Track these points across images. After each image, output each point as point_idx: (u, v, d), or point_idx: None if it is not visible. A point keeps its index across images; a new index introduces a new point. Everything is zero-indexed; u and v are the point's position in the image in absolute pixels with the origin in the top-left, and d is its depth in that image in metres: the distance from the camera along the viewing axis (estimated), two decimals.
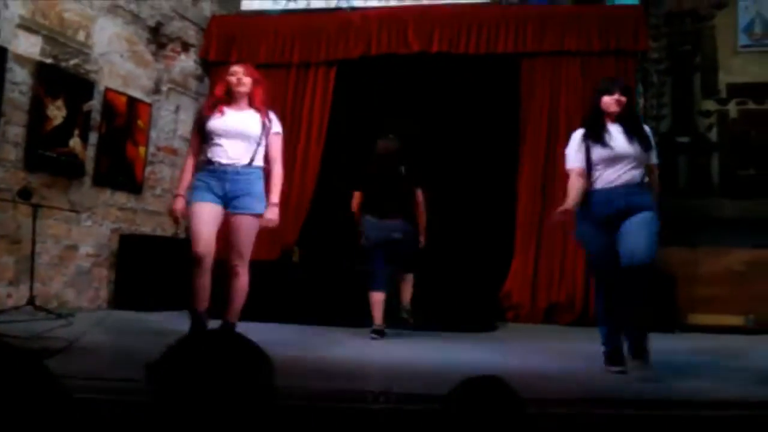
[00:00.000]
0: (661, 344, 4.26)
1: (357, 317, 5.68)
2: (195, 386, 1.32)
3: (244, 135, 4.09)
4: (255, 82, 4.19)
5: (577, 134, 3.85)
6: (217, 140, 4.08)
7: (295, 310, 5.75)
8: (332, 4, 7.74)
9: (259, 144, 4.12)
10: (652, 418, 2.68)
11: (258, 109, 4.16)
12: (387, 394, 2.84)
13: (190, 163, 4.25)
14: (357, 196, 5.35)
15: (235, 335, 1.46)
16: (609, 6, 7.06)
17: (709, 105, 7.05)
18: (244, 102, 4.16)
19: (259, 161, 4.14)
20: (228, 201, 4.04)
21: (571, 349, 4.67)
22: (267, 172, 4.20)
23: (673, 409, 2.75)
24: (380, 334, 5.04)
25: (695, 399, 2.94)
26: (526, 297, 6.68)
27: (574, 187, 3.76)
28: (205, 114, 4.18)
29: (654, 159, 3.80)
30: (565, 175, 3.90)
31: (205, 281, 3.99)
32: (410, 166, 5.28)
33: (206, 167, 4.10)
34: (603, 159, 3.69)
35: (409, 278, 5.31)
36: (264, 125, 4.14)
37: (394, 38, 7.28)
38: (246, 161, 4.08)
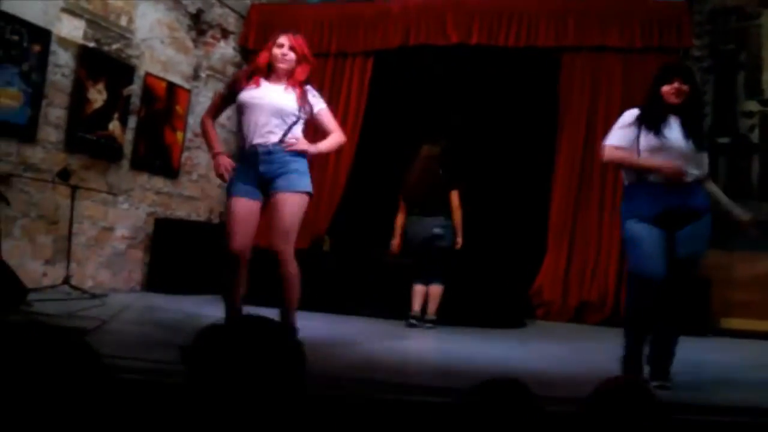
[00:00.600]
0: (692, 348, 4.20)
1: (386, 308, 5.72)
2: (227, 371, 1.33)
3: (277, 110, 3.70)
4: (300, 60, 3.78)
5: (630, 113, 3.46)
6: (248, 115, 3.72)
7: (325, 299, 5.78)
8: None
9: (295, 122, 3.73)
10: (675, 422, 2.65)
11: (294, 87, 3.76)
12: (408, 387, 2.86)
13: (208, 122, 3.93)
14: (402, 207, 5.65)
15: (269, 322, 1.47)
16: (653, 2, 6.93)
17: (752, 105, 6.88)
18: (284, 78, 3.78)
19: (297, 136, 3.75)
20: (265, 184, 3.71)
21: (599, 349, 4.62)
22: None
23: (696, 415, 2.72)
24: (418, 319, 5.35)
25: (719, 405, 2.90)
26: (557, 294, 6.62)
27: (621, 155, 3.40)
28: (239, 83, 3.81)
29: (706, 168, 3.46)
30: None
31: (238, 278, 3.73)
32: (450, 169, 5.52)
33: (240, 151, 3.81)
34: (652, 148, 3.32)
35: (438, 290, 5.41)
36: (300, 104, 3.74)
37: (433, 29, 7.24)
38: (277, 139, 3.69)
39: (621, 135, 3.43)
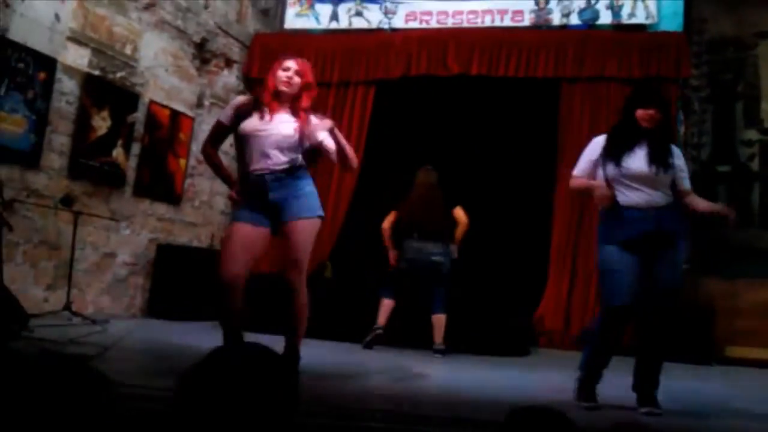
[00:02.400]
0: (693, 376, 4.20)
1: (388, 336, 5.70)
2: (217, 401, 1.32)
3: (280, 142, 3.61)
4: (305, 87, 3.71)
5: (596, 141, 3.56)
6: (252, 145, 3.62)
7: (327, 326, 5.75)
8: (374, 25, 7.83)
9: (297, 150, 3.64)
10: None
11: (298, 115, 3.67)
12: (414, 418, 2.84)
13: (213, 153, 3.82)
14: (392, 215, 5.53)
15: (264, 351, 1.44)
16: (651, 32, 7.02)
17: (751, 134, 6.96)
18: (287, 103, 3.69)
19: (300, 163, 3.67)
20: (274, 211, 3.62)
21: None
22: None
23: None
24: (378, 338, 5.42)
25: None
26: (558, 323, 6.61)
27: (581, 181, 3.54)
28: (237, 115, 3.71)
29: (687, 183, 3.49)
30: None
31: (233, 304, 3.56)
32: (448, 191, 5.58)
33: (244, 178, 3.69)
34: (614, 176, 3.40)
35: (442, 318, 5.38)
36: (302, 132, 3.62)
37: (434, 60, 7.33)
38: (285, 166, 3.62)
39: (584, 167, 3.53)
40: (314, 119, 3.69)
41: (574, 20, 7.22)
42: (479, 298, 5.98)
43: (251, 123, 3.64)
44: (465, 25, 7.50)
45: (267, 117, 3.64)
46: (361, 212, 7.38)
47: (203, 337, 5.33)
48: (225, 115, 3.78)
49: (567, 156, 6.93)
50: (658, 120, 3.41)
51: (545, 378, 4.67)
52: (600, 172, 3.46)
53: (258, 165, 3.61)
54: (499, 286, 6.34)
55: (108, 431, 1.11)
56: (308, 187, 3.70)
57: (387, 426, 2.73)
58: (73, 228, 5.57)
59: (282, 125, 3.63)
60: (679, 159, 3.49)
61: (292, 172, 3.62)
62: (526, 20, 7.34)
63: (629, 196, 3.38)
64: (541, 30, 7.29)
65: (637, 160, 3.38)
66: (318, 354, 4.61)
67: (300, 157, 3.67)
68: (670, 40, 6.83)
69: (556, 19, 7.26)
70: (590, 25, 7.18)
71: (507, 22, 7.39)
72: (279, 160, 3.61)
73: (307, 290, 3.68)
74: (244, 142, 3.66)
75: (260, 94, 3.76)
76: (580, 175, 3.55)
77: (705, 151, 6.99)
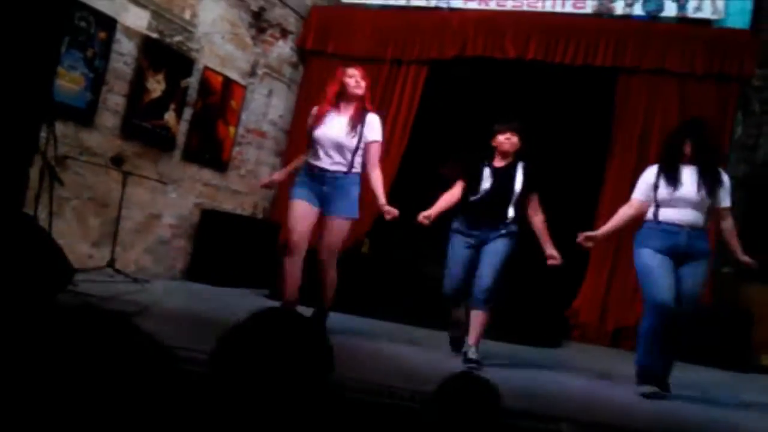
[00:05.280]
0: (729, 383, 4.18)
1: (421, 315, 5.71)
2: (255, 362, 1.35)
3: (339, 145, 4.37)
4: (368, 87, 4.53)
5: (652, 169, 4.15)
6: (318, 147, 4.40)
7: (361, 301, 5.79)
8: (432, 3, 7.74)
9: (355, 153, 4.41)
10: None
11: (364, 114, 4.42)
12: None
13: (300, 157, 4.67)
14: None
15: (301, 319, 1.49)
16: (716, 28, 6.79)
17: None
18: (355, 104, 4.43)
19: (356, 168, 4.44)
20: (324, 202, 4.38)
21: (624, 375, 4.52)
22: (364, 177, 4.51)
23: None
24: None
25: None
26: (594, 317, 6.52)
27: (621, 215, 4.22)
28: (313, 122, 4.49)
29: (725, 202, 4.01)
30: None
31: (294, 270, 4.33)
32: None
33: (308, 169, 4.46)
34: (666, 199, 3.96)
35: (482, 316, 4.32)
36: (359, 136, 4.39)
37: (490, 42, 7.21)
38: (343, 169, 4.39)
39: (642, 189, 4.14)
40: (370, 119, 4.44)
41: (638, 10, 7.02)
42: (514, 286, 5.92)
43: (320, 127, 4.41)
44: (525, 8, 7.35)
45: (332, 122, 4.40)
46: (403, 193, 7.35)
47: (241, 302, 5.43)
48: (308, 123, 4.57)
49: (618, 149, 6.82)
50: (694, 148, 3.97)
51: (568, 368, 4.65)
52: (652, 194, 4.05)
53: (320, 162, 4.39)
54: (535, 275, 6.27)
55: (154, 390, 1.09)
56: (354, 192, 4.44)
57: (404, 404, 2.76)
58: (122, 187, 5.69)
59: (341, 130, 4.37)
60: (724, 181, 4.03)
61: (346, 173, 4.39)
62: (588, 7, 7.17)
63: (670, 214, 3.96)
64: (602, 18, 7.10)
65: (687, 185, 3.94)
66: (345, 327, 4.69)
67: (356, 159, 4.40)
68: (735, 38, 6.60)
69: (619, 8, 7.07)
70: (654, 16, 6.98)
71: (568, 8, 7.23)
72: (337, 160, 4.38)
73: (336, 269, 4.42)
74: (313, 142, 4.44)
75: (326, 103, 4.47)
76: (640, 197, 4.14)
77: (761, 153, 6.77)
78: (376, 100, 7.43)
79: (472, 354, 4.17)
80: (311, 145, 4.48)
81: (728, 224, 4.03)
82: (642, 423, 3.24)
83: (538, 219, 4.51)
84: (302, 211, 4.36)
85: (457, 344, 4.52)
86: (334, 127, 4.39)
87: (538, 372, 4.29)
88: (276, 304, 4.28)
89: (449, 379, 1.81)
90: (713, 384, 4.63)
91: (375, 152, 4.47)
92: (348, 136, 4.37)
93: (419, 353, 4.42)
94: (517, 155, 4.51)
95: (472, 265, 4.36)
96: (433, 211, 4.37)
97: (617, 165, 6.77)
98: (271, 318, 1.45)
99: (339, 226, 4.39)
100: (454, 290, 4.42)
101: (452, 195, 4.48)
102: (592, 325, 6.50)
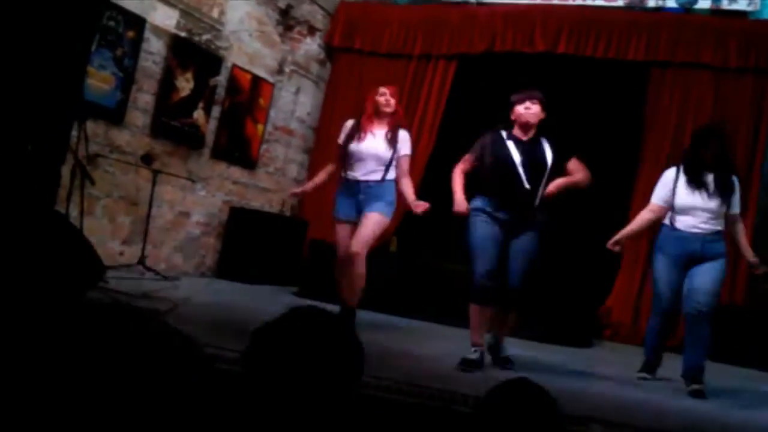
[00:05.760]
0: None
1: (447, 314, 5.65)
2: (285, 364, 1.34)
3: (376, 157, 4.65)
4: (398, 102, 4.83)
5: (670, 172, 4.24)
6: (354, 161, 4.68)
7: (388, 299, 5.76)
8: None
9: (389, 164, 4.66)
10: None
11: (397, 128, 4.70)
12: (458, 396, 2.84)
13: (328, 167, 4.98)
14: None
15: (333, 318, 1.49)
16: (752, 20, 6.63)
17: None
18: (387, 120, 4.72)
19: (390, 176, 4.68)
20: (361, 206, 4.65)
21: (657, 376, 4.43)
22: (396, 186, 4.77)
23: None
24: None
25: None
26: (627, 316, 6.41)
27: (640, 219, 4.36)
28: (348, 136, 4.76)
29: (735, 208, 4.12)
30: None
31: (346, 279, 4.64)
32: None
33: (344, 181, 4.75)
34: (684, 206, 4.07)
35: (510, 315, 4.14)
36: (395, 148, 4.67)
37: (520, 36, 7.12)
38: (378, 178, 4.64)
39: (660, 194, 4.24)
40: (402, 135, 4.73)
41: (671, 3, 6.87)
42: (545, 284, 5.84)
43: (356, 142, 4.68)
44: (555, 2, 7.25)
45: (366, 136, 4.68)
46: (432, 188, 7.30)
47: (270, 300, 5.43)
48: (340, 138, 4.81)
49: (651, 144, 6.69)
50: (716, 154, 4.07)
51: (599, 368, 4.58)
52: (670, 199, 4.15)
53: (356, 174, 4.67)
54: (569, 274, 6.19)
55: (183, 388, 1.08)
56: (389, 196, 4.66)
57: (429, 404, 2.74)
58: (152, 185, 5.72)
59: (378, 143, 4.65)
60: (737, 188, 4.13)
61: (380, 182, 4.63)
62: (620, 0, 7.05)
63: (687, 221, 4.07)
64: (634, 11, 6.96)
65: (702, 194, 4.05)
66: (372, 324, 4.70)
67: (389, 170, 4.65)
68: None
69: (651, 0, 6.95)
70: (687, 8, 6.83)
71: (599, 1, 7.12)
72: (371, 169, 4.64)
73: (365, 266, 4.57)
74: (347, 154, 4.70)
75: (361, 117, 4.78)
76: (658, 203, 4.23)
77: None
78: (404, 97, 7.42)
79: (504, 352, 4.06)
80: (346, 158, 4.72)
81: (739, 228, 4.18)
82: (673, 425, 3.17)
83: (581, 176, 4.05)
84: (345, 232, 4.69)
85: (472, 363, 3.79)
86: (370, 141, 4.67)
87: (568, 372, 4.22)
88: (305, 301, 4.28)
89: (503, 385, 1.76)
90: (748, 385, 4.53)
91: (406, 164, 4.75)
92: (385, 150, 4.65)
93: (448, 352, 4.37)
94: (539, 130, 4.04)
95: (502, 247, 3.91)
96: (459, 196, 3.95)
97: (650, 161, 6.63)
98: (303, 317, 1.44)
99: (372, 220, 4.57)
100: (488, 271, 3.84)
101: (461, 170, 4.06)
102: (625, 325, 6.39)
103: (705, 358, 4.01)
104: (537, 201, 3.94)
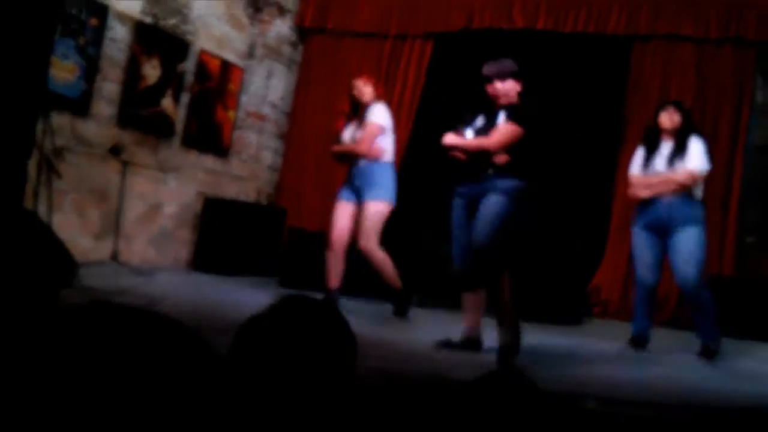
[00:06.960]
0: (760, 355, 4.16)
1: (437, 297, 5.56)
2: (274, 354, 1.31)
3: (355, 139, 4.92)
4: (375, 86, 4.99)
5: (641, 148, 4.51)
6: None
7: (375, 285, 5.62)
8: None
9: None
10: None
11: (369, 107, 4.88)
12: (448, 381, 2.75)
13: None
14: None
15: (326, 306, 1.48)
16: None
17: None
18: (366, 105, 4.91)
19: (385, 158, 4.89)
20: (359, 196, 4.85)
21: (655, 349, 4.43)
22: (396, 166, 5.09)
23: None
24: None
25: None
26: (615, 293, 6.36)
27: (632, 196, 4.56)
28: (338, 128, 5.10)
29: (688, 164, 4.20)
30: None
31: (335, 262, 4.82)
32: None
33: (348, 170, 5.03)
34: (645, 175, 4.33)
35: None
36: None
37: (498, 12, 6.96)
38: (366, 158, 4.83)
39: (633, 168, 4.50)
40: (373, 108, 4.91)
41: None
42: (532, 264, 5.74)
43: (343, 135, 5.01)
44: None
45: (350, 125, 4.97)
46: (412, 172, 7.17)
47: (250, 292, 5.26)
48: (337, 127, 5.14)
49: (635, 119, 6.58)
50: (676, 121, 4.29)
51: (592, 346, 4.56)
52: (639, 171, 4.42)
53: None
54: (556, 253, 6.10)
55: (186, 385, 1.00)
56: (385, 179, 4.85)
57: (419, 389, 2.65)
58: (122, 178, 5.50)
59: (359, 130, 4.89)
60: (695, 146, 4.23)
61: (369, 163, 4.82)
62: None
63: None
64: None
65: (660, 160, 4.27)
66: (361, 312, 4.53)
67: (377, 149, 4.82)
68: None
69: None
70: None
71: None
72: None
73: (379, 249, 4.79)
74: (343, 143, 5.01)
75: (344, 112, 5.07)
76: (636, 173, 4.44)
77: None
78: (380, 76, 7.24)
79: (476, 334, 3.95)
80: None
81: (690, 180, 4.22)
82: (667, 397, 3.12)
83: (492, 139, 3.80)
84: (339, 210, 4.88)
85: (448, 344, 3.82)
86: (353, 130, 4.95)
87: (559, 350, 4.17)
88: (288, 291, 4.12)
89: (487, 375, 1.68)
90: (738, 355, 4.49)
91: (368, 131, 4.85)
92: (359, 129, 4.88)
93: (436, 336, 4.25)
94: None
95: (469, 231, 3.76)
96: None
97: (633, 136, 6.52)
98: (292, 305, 1.42)
99: (370, 210, 4.75)
100: (458, 256, 3.80)
101: None
102: (614, 302, 6.35)
103: (714, 323, 4.15)
104: (489, 168, 3.75)
